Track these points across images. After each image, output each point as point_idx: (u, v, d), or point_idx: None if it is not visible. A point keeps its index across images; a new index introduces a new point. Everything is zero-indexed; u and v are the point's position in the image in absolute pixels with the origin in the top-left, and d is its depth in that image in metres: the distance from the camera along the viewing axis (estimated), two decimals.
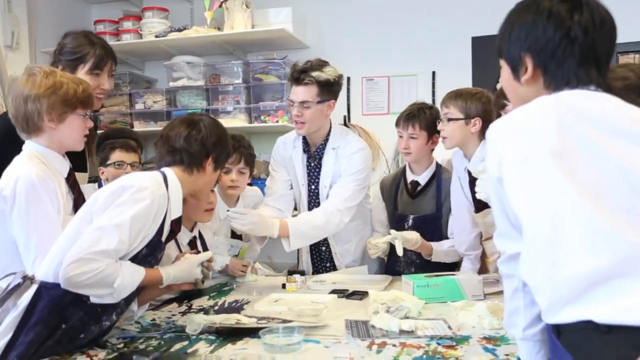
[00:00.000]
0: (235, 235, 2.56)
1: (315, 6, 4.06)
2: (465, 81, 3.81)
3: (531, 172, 1.02)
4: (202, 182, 1.82)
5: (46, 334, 1.45)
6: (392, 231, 2.31)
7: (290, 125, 3.76)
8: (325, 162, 2.46)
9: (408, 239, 2.31)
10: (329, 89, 2.36)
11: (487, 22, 3.81)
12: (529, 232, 1.01)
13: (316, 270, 2.59)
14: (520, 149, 1.04)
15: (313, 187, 2.50)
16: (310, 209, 2.48)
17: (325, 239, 2.52)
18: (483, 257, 2.42)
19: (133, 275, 1.53)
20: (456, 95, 2.30)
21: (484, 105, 2.27)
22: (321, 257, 2.60)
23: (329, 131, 2.47)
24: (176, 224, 1.72)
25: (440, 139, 2.41)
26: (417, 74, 3.96)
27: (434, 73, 3.94)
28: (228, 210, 2.25)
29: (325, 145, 2.47)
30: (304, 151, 2.50)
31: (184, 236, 2.16)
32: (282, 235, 2.27)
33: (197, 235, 2.25)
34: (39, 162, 1.67)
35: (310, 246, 2.57)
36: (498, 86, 3.62)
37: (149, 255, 1.62)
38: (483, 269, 2.39)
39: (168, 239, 1.73)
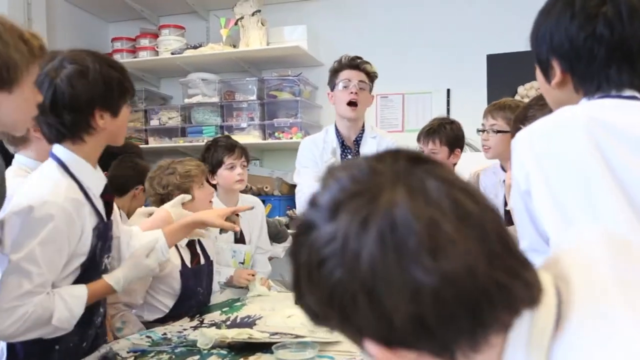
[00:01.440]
0: (237, 240, 2.55)
1: (330, 23, 4.08)
2: (480, 99, 3.80)
3: (560, 188, 0.95)
4: (106, 138, 1.49)
5: None
6: None
7: None
8: (364, 151, 2.55)
9: None
10: (372, 83, 2.53)
11: (502, 39, 3.85)
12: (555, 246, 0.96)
13: None
14: (550, 162, 0.97)
15: None
16: None
17: None
18: None
19: (72, 301, 1.38)
20: (503, 107, 2.32)
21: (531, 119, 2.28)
22: None
23: (363, 124, 2.60)
24: (107, 194, 1.54)
25: (460, 155, 2.49)
26: (431, 91, 3.95)
27: (448, 91, 3.92)
28: None
29: (363, 135, 2.56)
30: (340, 144, 2.55)
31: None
32: None
33: (196, 239, 2.26)
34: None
35: None
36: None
37: (105, 242, 1.52)
38: None
39: (109, 210, 1.55)
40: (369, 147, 2.53)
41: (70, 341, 1.47)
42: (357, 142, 2.55)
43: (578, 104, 1.02)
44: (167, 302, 2.14)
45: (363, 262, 0.56)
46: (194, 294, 2.20)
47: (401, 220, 0.56)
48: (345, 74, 2.46)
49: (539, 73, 1.14)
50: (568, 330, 0.57)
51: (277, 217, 3.26)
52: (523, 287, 0.58)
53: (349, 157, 2.56)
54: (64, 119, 1.41)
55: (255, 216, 2.67)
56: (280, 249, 3.15)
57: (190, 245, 2.26)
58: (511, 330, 0.58)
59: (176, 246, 2.05)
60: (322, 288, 0.61)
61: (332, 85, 2.51)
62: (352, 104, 2.42)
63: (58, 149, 1.45)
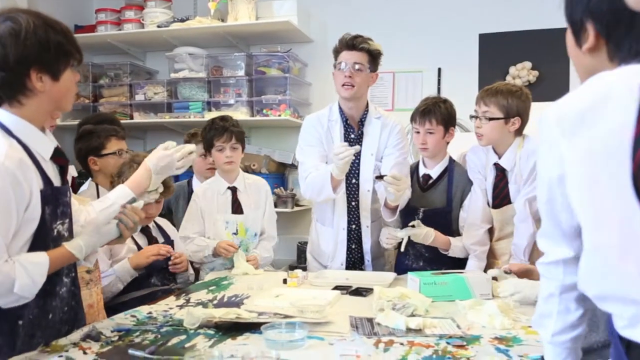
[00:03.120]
0: (234, 212, 2.56)
1: None
2: (471, 79, 3.76)
3: (603, 170, 0.82)
4: (48, 102, 1.42)
5: (2, 340, 1.36)
6: (400, 232, 2.32)
7: (293, 119, 3.71)
8: (368, 131, 2.50)
9: (417, 233, 2.29)
10: (375, 61, 2.45)
11: (495, 19, 3.80)
12: (591, 239, 0.86)
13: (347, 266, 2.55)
14: (590, 140, 0.83)
15: (354, 157, 2.43)
16: (348, 180, 2.48)
17: (358, 216, 2.52)
18: (491, 257, 2.37)
19: (34, 269, 1.35)
20: (496, 93, 2.27)
21: (524, 103, 2.27)
22: (350, 237, 2.54)
23: (367, 103, 2.53)
24: (59, 158, 1.49)
25: (454, 134, 2.45)
26: (422, 70, 3.90)
27: (439, 70, 3.88)
28: (379, 177, 2.25)
29: (367, 114, 2.51)
30: (344, 122, 2.51)
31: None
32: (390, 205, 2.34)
33: (153, 225, 2.32)
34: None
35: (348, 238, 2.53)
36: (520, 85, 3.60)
37: (57, 207, 1.45)
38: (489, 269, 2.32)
39: (64, 176, 1.50)
40: (373, 128, 2.49)
41: (30, 313, 1.42)
42: (362, 121, 2.51)
43: (614, 71, 0.87)
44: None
45: None
46: (147, 284, 2.21)
47: None
48: (342, 55, 2.42)
49: (569, 35, 1.03)
50: None
51: None
52: None
53: (352, 136, 2.51)
54: None
55: (257, 192, 2.64)
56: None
57: (145, 230, 2.27)
58: None
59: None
60: None
61: (334, 65, 2.50)
62: (346, 85, 2.39)
63: (1, 113, 1.40)
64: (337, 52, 2.45)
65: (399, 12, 3.92)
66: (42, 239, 1.41)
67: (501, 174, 2.33)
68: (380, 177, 2.23)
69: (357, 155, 2.46)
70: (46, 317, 1.47)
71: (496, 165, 2.33)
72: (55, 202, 1.44)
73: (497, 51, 3.78)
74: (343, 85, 2.39)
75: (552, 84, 3.68)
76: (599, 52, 0.95)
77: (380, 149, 2.49)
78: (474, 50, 3.82)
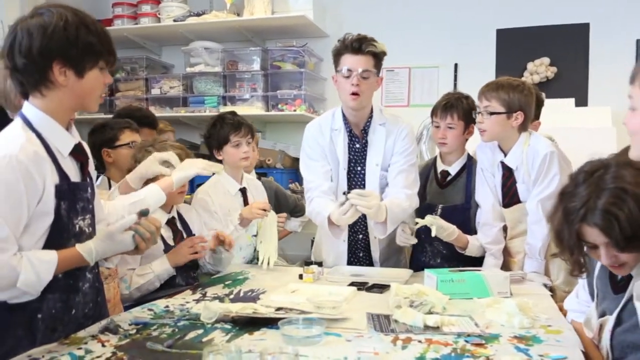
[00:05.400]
0: None
1: None
2: (488, 74, 3.71)
3: None
4: (71, 98, 1.44)
5: (23, 332, 1.37)
6: (429, 216, 2.22)
7: (308, 114, 3.70)
8: (372, 140, 2.35)
9: (444, 227, 2.22)
10: (380, 63, 2.27)
11: (513, 14, 3.77)
12: None
13: (350, 262, 2.45)
14: None
15: (359, 168, 2.38)
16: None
17: (365, 226, 2.42)
18: (507, 255, 2.34)
19: (40, 266, 1.34)
20: (497, 87, 2.22)
21: (526, 98, 2.21)
22: (357, 246, 2.46)
23: (372, 108, 2.37)
24: (79, 154, 1.50)
25: (473, 131, 2.39)
26: (439, 65, 3.88)
27: (456, 65, 3.85)
28: (346, 193, 2.12)
29: (370, 122, 2.36)
30: (348, 132, 2.37)
31: (161, 217, 2.13)
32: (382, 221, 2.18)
33: (176, 216, 2.26)
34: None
35: (348, 234, 2.42)
36: (523, 79, 3.56)
37: (75, 202, 1.45)
38: (505, 268, 2.30)
39: (84, 172, 1.52)
40: (377, 136, 2.34)
41: (53, 308, 1.43)
42: (365, 130, 2.36)
43: None
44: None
45: None
46: (172, 284, 2.16)
47: None
48: (347, 59, 2.21)
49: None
50: None
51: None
52: None
53: (357, 146, 2.36)
54: (18, 65, 1.37)
55: (256, 191, 2.63)
56: (297, 223, 3.10)
57: (170, 222, 2.23)
58: None
59: None
60: None
61: (335, 67, 2.28)
62: (354, 94, 2.23)
63: (26, 107, 1.43)
64: (338, 54, 2.24)
65: (414, 7, 3.90)
66: (59, 234, 1.42)
67: (508, 173, 2.28)
68: (345, 193, 2.11)
69: (362, 166, 2.37)
70: (69, 312, 1.48)
71: (502, 163, 2.29)
72: (72, 197, 1.45)
73: (514, 47, 3.74)
74: (351, 94, 2.22)
75: (571, 81, 3.63)
76: None
77: (387, 158, 2.34)
78: (491, 45, 3.79)
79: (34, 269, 1.33)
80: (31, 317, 1.39)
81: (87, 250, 1.44)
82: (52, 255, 1.38)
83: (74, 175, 1.47)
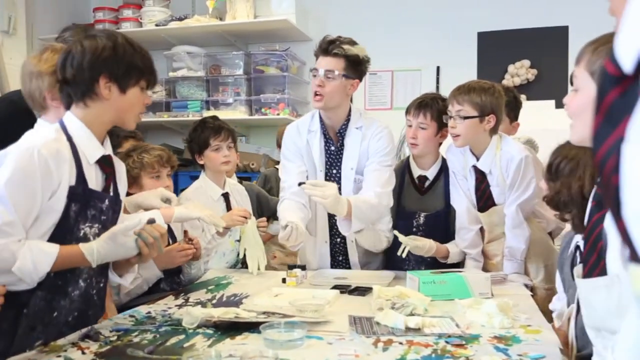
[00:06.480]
0: None
1: None
2: (470, 77, 3.71)
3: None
4: (111, 112, 1.55)
5: (7, 327, 1.38)
6: (402, 238, 2.19)
7: (292, 118, 3.70)
8: (348, 143, 2.33)
9: (420, 246, 2.20)
10: (356, 67, 2.24)
11: (493, 17, 3.81)
12: None
13: (331, 266, 2.44)
14: None
15: (334, 171, 2.37)
16: None
17: (345, 241, 2.40)
18: (484, 258, 2.35)
19: (39, 256, 1.38)
20: (469, 90, 2.17)
21: (497, 100, 2.18)
22: (336, 250, 2.46)
23: (349, 112, 2.35)
24: (105, 165, 1.58)
25: (447, 135, 2.33)
26: (421, 68, 3.91)
27: (438, 68, 3.88)
28: (300, 184, 2.11)
29: (347, 125, 2.33)
30: (323, 135, 2.36)
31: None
32: (346, 216, 2.14)
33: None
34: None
35: (329, 236, 2.42)
36: (504, 82, 3.60)
37: (86, 208, 1.50)
38: (484, 271, 2.31)
39: (108, 182, 1.58)
40: (352, 140, 2.32)
41: (37, 306, 1.44)
42: (341, 133, 2.34)
43: None
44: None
45: None
46: (157, 289, 2.16)
47: None
48: (318, 60, 2.23)
49: None
50: None
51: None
52: None
53: (332, 149, 2.35)
54: (68, 77, 1.50)
55: (239, 196, 2.63)
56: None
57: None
58: None
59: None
60: None
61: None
62: (316, 94, 2.22)
63: (67, 115, 1.54)
64: (316, 56, 2.27)
65: (397, 11, 3.92)
66: (62, 234, 1.46)
67: (481, 177, 2.26)
68: (300, 184, 2.11)
69: (338, 169, 2.36)
70: (50, 313, 1.48)
71: (475, 167, 2.26)
72: (84, 202, 1.50)
73: (495, 49, 3.78)
74: (313, 94, 2.23)
75: (551, 82, 3.68)
76: None
77: (362, 162, 2.31)
78: (473, 48, 3.82)
79: (32, 258, 1.37)
80: (18, 311, 1.41)
81: (89, 249, 1.45)
82: (54, 248, 1.41)
83: (95, 183, 1.54)
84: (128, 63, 1.53)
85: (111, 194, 1.61)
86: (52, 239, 1.45)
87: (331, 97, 2.22)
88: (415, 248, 2.20)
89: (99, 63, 1.50)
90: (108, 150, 1.60)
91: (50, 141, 1.44)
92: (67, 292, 1.51)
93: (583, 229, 1.50)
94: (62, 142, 1.48)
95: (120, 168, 1.68)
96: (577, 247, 1.59)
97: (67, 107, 1.55)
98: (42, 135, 1.48)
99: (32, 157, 1.39)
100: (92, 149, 1.54)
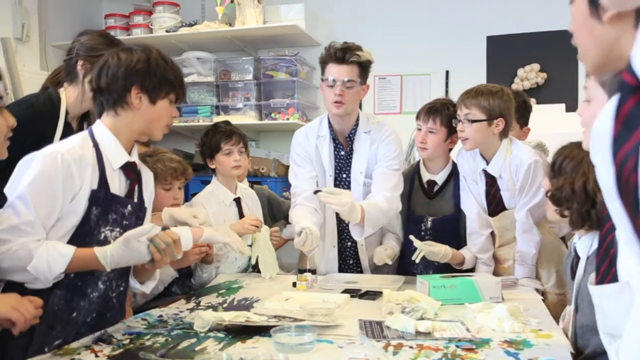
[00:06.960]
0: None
1: (328, 2, 4.02)
2: (479, 81, 3.69)
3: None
4: (140, 121, 1.61)
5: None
6: (418, 243, 2.18)
7: (302, 123, 3.71)
8: (357, 148, 2.35)
9: (435, 252, 2.20)
10: (366, 72, 2.28)
11: (503, 21, 3.80)
12: None
13: (341, 269, 2.46)
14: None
15: (344, 175, 2.38)
16: None
17: (356, 245, 2.41)
18: (495, 263, 2.34)
19: (55, 256, 1.41)
20: (477, 94, 2.18)
21: (506, 104, 2.18)
22: (346, 253, 2.47)
23: (358, 116, 2.38)
24: (129, 171, 1.63)
25: (457, 141, 2.34)
26: (430, 73, 3.90)
27: (447, 72, 3.88)
28: (316, 192, 2.13)
29: (356, 130, 2.36)
30: (332, 140, 2.38)
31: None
32: (359, 222, 2.15)
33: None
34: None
35: (338, 240, 2.44)
36: (513, 87, 3.59)
37: (107, 212, 1.55)
38: (496, 275, 2.31)
39: (131, 188, 1.64)
40: (362, 144, 2.34)
41: (56, 305, 1.49)
42: (350, 138, 2.37)
43: None
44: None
45: None
46: (169, 293, 2.18)
47: None
48: (332, 69, 2.23)
49: (581, 7, 0.88)
50: None
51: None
52: None
53: (342, 153, 2.37)
54: (102, 85, 1.57)
55: (256, 205, 2.64)
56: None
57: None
58: None
59: None
60: None
61: (322, 74, 2.31)
62: (337, 103, 2.24)
63: (96, 124, 1.61)
64: (324, 62, 2.27)
65: (406, 16, 3.93)
66: (83, 237, 1.50)
67: (491, 181, 2.26)
68: (316, 192, 2.13)
69: (348, 174, 2.37)
70: (69, 313, 1.51)
71: (485, 171, 2.26)
72: (106, 206, 1.54)
73: (505, 53, 3.77)
74: (334, 102, 2.24)
75: (561, 86, 3.67)
76: (622, 21, 0.79)
77: (370, 166, 2.34)
78: (482, 52, 3.82)
79: (48, 258, 1.41)
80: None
81: (102, 252, 1.48)
82: (70, 250, 1.45)
83: (118, 188, 1.60)
84: (160, 76, 1.59)
85: (135, 200, 1.65)
86: (73, 240, 1.49)
87: (350, 104, 2.27)
88: (431, 254, 2.20)
89: (133, 74, 1.56)
90: (135, 158, 1.66)
91: (75, 147, 1.51)
92: (86, 294, 1.54)
93: (581, 225, 1.53)
94: (86, 148, 1.54)
95: (147, 176, 1.73)
96: (575, 248, 1.61)
97: (99, 116, 1.62)
98: (69, 141, 1.55)
99: (56, 160, 1.45)
100: (117, 155, 1.60)
